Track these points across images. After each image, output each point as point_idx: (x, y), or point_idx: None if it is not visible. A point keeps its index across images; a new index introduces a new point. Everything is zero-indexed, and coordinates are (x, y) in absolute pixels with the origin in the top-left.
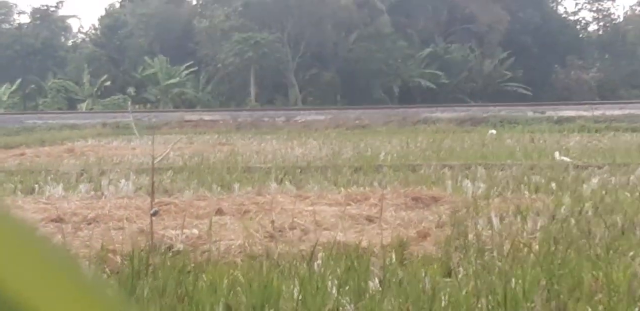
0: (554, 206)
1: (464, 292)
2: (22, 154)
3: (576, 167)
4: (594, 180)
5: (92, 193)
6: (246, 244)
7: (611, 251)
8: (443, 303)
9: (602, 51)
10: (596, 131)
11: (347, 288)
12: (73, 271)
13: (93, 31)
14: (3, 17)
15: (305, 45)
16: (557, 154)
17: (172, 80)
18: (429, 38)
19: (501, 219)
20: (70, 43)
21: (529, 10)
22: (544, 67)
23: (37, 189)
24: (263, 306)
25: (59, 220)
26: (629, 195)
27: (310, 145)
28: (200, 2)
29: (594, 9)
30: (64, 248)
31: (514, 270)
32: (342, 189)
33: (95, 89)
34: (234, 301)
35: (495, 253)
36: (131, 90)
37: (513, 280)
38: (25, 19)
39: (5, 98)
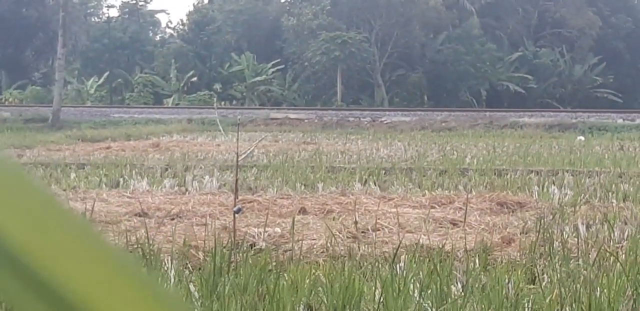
0: None
1: (547, 300)
2: (107, 148)
3: None
4: None
5: (176, 188)
6: (329, 244)
7: None
8: (526, 310)
9: None
10: None
11: (429, 291)
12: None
13: (181, 26)
14: (92, 10)
15: (392, 46)
16: None
17: (259, 78)
18: (519, 41)
19: (588, 227)
20: (157, 38)
21: (621, 15)
22: (636, 74)
23: (122, 183)
24: (344, 307)
25: (143, 214)
26: None
27: (395, 147)
28: (289, 0)
29: None
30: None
31: (600, 278)
32: (427, 192)
33: (182, 85)
34: (315, 301)
35: (580, 261)
36: (217, 86)
37: (598, 288)
38: (114, 13)
39: (92, 91)
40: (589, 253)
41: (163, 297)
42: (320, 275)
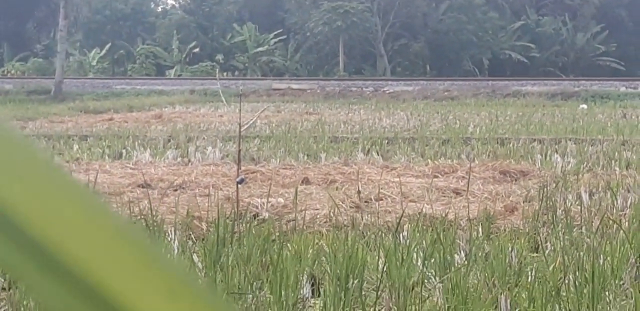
0: None
1: (551, 268)
2: (110, 119)
3: None
4: None
5: (179, 159)
6: (332, 214)
7: None
8: (529, 278)
9: None
10: None
11: (432, 260)
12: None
13: None
14: None
15: (394, 15)
16: None
17: (261, 48)
18: (521, 10)
19: (591, 195)
20: (159, 9)
21: None
22: (638, 42)
23: (124, 154)
24: (347, 277)
25: (145, 185)
26: None
27: (397, 116)
28: None
29: None
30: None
31: (603, 246)
32: (430, 161)
33: (184, 56)
34: (319, 271)
35: (583, 229)
36: (219, 57)
37: (601, 256)
38: None
39: (94, 63)
40: (592, 221)
41: (168, 266)
42: (324, 244)
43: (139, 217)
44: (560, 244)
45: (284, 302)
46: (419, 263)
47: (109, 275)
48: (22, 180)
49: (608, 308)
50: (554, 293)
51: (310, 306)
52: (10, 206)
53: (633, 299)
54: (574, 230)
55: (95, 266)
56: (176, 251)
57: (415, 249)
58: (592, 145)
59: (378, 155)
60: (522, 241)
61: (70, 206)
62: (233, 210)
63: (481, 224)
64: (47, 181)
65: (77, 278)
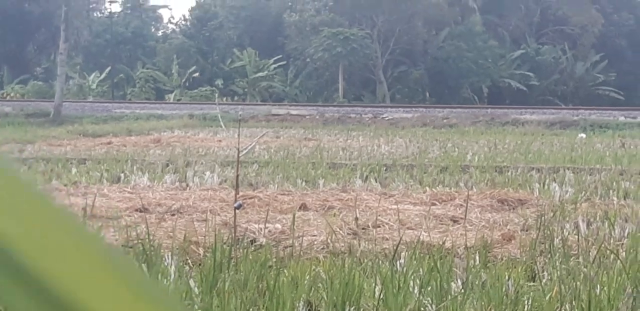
0: None
1: (547, 297)
2: (109, 143)
3: None
4: None
5: (177, 184)
6: (329, 240)
7: None
8: (526, 308)
9: None
10: None
11: (429, 288)
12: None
13: (183, 22)
14: (94, 5)
15: (394, 42)
16: None
17: (260, 74)
18: (521, 38)
19: (588, 224)
20: (160, 33)
21: (623, 13)
22: (638, 71)
23: (122, 178)
24: (344, 304)
25: (143, 209)
26: None
27: (396, 143)
28: None
29: None
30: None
31: (600, 276)
32: (428, 188)
33: (184, 80)
34: (315, 298)
35: (581, 259)
36: (219, 82)
37: (598, 286)
38: (116, 8)
39: (94, 86)
40: (589, 251)
41: (160, 296)
42: (321, 271)
43: (136, 242)
44: (557, 273)
45: None
46: (415, 291)
47: (97, 305)
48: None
49: None
50: None
51: None
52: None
53: None
54: (571, 259)
55: (83, 295)
56: (173, 276)
57: (412, 277)
58: (590, 175)
59: (376, 181)
60: (519, 270)
61: (57, 234)
62: (230, 236)
63: (478, 252)
64: (34, 208)
65: (65, 306)
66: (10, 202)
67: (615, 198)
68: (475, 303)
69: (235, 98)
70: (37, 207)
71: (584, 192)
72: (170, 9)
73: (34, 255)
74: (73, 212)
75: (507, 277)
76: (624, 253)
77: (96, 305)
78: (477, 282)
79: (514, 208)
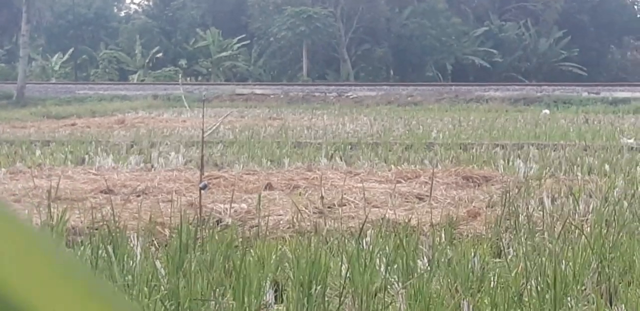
0: (606, 188)
1: (513, 273)
2: (73, 124)
3: (631, 149)
4: None
5: (142, 165)
6: (295, 220)
7: None
8: (492, 284)
9: None
10: None
11: (395, 266)
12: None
13: (146, 2)
14: None
15: (357, 21)
16: (624, 139)
17: (224, 53)
18: (484, 15)
19: (553, 200)
20: (122, 14)
21: None
22: (600, 47)
23: (87, 160)
24: (310, 283)
25: (108, 191)
26: None
27: (361, 121)
28: None
29: None
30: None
31: (565, 252)
32: (393, 166)
33: (147, 61)
34: (282, 277)
35: (546, 235)
36: (183, 62)
37: (563, 262)
38: None
39: (57, 68)
40: (554, 227)
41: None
42: (287, 250)
43: (101, 223)
44: (523, 249)
45: (247, 308)
46: (382, 269)
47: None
48: None
49: None
50: (516, 298)
51: None
52: None
53: (595, 304)
54: (536, 235)
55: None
56: (139, 257)
57: (378, 255)
58: (554, 151)
59: (341, 160)
60: (485, 246)
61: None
62: (196, 216)
63: (444, 230)
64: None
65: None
66: None
67: (579, 174)
68: (441, 280)
69: (199, 78)
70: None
71: (548, 168)
72: None
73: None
74: (24, 219)
75: (473, 254)
76: (588, 228)
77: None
78: (443, 259)
79: (479, 185)
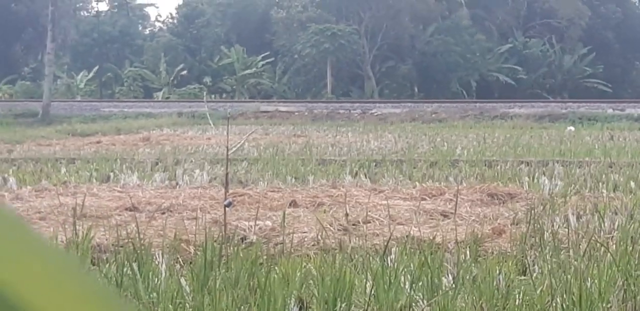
0: (632, 205)
1: (538, 291)
2: (98, 142)
3: None
4: None
5: (167, 182)
6: (319, 237)
7: None
8: (517, 302)
9: None
10: None
11: (420, 283)
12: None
13: (170, 20)
14: (81, 4)
15: (382, 38)
16: None
17: (249, 71)
18: (508, 32)
19: (578, 217)
20: (147, 32)
21: (610, 6)
22: (625, 64)
23: (112, 177)
24: (335, 300)
25: (133, 208)
26: None
27: (385, 139)
28: None
29: None
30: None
31: (590, 269)
32: (417, 183)
33: (172, 78)
34: (307, 294)
35: (571, 252)
36: (207, 79)
37: (589, 279)
38: (103, 7)
39: (82, 85)
40: (580, 244)
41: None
42: (312, 267)
43: (126, 241)
44: (548, 267)
45: None
46: (406, 286)
47: None
48: None
49: None
50: None
51: None
52: None
53: None
54: (562, 252)
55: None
56: (164, 274)
57: (403, 272)
58: (579, 168)
59: (366, 177)
60: (510, 264)
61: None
62: (221, 233)
63: (469, 247)
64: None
65: None
66: None
67: (604, 191)
68: (466, 297)
69: (224, 95)
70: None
71: (573, 185)
72: (157, 7)
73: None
74: (31, 227)
75: (498, 271)
76: (614, 245)
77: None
78: (468, 277)
79: (503, 202)
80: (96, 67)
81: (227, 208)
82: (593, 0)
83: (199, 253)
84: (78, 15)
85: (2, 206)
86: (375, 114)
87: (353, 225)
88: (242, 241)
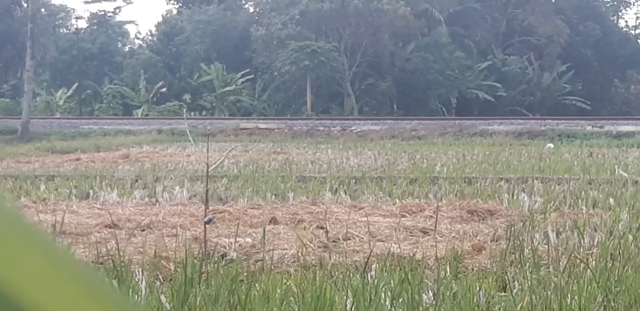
0: (611, 222)
1: (519, 307)
2: (77, 159)
3: (635, 183)
4: None
5: (147, 199)
6: (300, 254)
7: None
8: None
9: None
10: None
11: (400, 300)
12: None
13: (150, 37)
14: (61, 21)
15: (361, 55)
16: (619, 170)
17: (228, 88)
18: (487, 49)
19: (558, 234)
20: (127, 49)
21: (589, 23)
22: (604, 81)
23: (92, 194)
24: None
25: (113, 225)
26: None
27: (365, 155)
28: (257, 10)
29: None
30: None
31: (570, 285)
32: (397, 200)
33: (151, 95)
34: None
35: (551, 268)
36: (187, 97)
37: (569, 295)
38: (82, 24)
39: (61, 103)
40: (560, 260)
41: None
42: (292, 284)
43: (106, 258)
44: (528, 283)
45: None
46: (387, 303)
47: None
48: None
49: None
50: None
51: None
52: None
53: None
54: (542, 269)
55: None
56: (144, 291)
57: (384, 289)
58: (558, 184)
59: (346, 194)
60: (490, 280)
61: (27, 250)
62: (201, 250)
63: (449, 263)
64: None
65: None
66: None
67: (584, 208)
68: None
69: (204, 112)
70: (6, 222)
71: (552, 202)
72: (137, 25)
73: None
74: (42, 228)
75: (478, 288)
76: (593, 262)
77: None
78: (448, 293)
79: (483, 219)
80: (75, 84)
81: (207, 225)
82: (572, 18)
83: (179, 270)
84: (57, 32)
85: (3, 202)
86: (355, 131)
87: (333, 241)
88: (223, 258)
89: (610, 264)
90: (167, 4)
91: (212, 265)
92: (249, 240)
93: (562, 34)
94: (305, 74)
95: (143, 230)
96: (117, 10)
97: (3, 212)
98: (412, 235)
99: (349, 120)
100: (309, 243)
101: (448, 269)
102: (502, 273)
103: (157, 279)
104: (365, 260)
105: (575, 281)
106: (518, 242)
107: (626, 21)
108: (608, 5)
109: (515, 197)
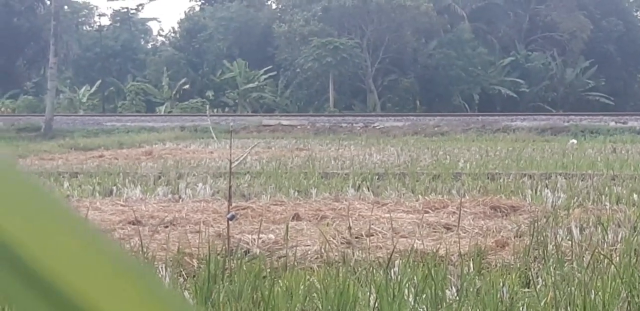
0: (635, 217)
1: (542, 303)
2: (100, 156)
3: None
4: None
5: (170, 196)
6: (323, 250)
7: None
8: None
9: None
10: None
11: (424, 296)
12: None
13: (172, 34)
14: (84, 19)
15: (384, 51)
16: None
17: (251, 85)
18: (510, 45)
19: (581, 230)
20: (149, 46)
21: (612, 19)
22: (627, 77)
23: (115, 191)
24: None
25: (136, 222)
26: None
27: (388, 152)
28: (280, 6)
29: None
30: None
31: (594, 281)
32: (420, 196)
33: (174, 92)
34: (310, 307)
35: (575, 264)
36: (210, 93)
37: (593, 291)
38: (105, 22)
39: (84, 100)
40: (583, 256)
41: (165, 296)
42: (315, 280)
43: (129, 254)
44: (552, 279)
45: None
46: (410, 299)
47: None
48: (17, 208)
49: None
50: None
51: None
52: (4, 234)
53: None
54: (565, 265)
55: (91, 295)
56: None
57: (407, 285)
58: (582, 180)
59: (369, 190)
60: (514, 276)
61: (64, 233)
62: (224, 247)
63: (472, 259)
64: (41, 209)
65: (73, 306)
66: (14, 200)
67: (607, 204)
68: (470, 310)
69: (226, 109)
70: (42, 204)
71: (576, 198)
72: (160, 22)
73: (39, 253)
74: (78, 212)
75: (501, 284)
76: (617, 258)
77: (105, 304)
78: (471, 289)
79: (506, 215)
80: (99, 82)
81: (230, 222)
82: (595, 14)
83: (202, 266)
84: (80, 29)
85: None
86: (378, 127)
87: (356, 238)
88: (245, 255)
89: (634, 260)
90: (190, 1)
91: (235, 261)
92: (271, 236)
93: (585, 29)
94: (327, 70)
95: (166, 227)
96: (140, 8)
97: (35, 192)
98: (435, 231)
99: (372, 117)
100: (332, 239)
101: (471, 265)
102: (526, 269)
103: (180, 275)
104: (389, 256)
105: (599, 277)
106: (541, 238)
107: None
108: (631, 0)
109: (538, 193)
